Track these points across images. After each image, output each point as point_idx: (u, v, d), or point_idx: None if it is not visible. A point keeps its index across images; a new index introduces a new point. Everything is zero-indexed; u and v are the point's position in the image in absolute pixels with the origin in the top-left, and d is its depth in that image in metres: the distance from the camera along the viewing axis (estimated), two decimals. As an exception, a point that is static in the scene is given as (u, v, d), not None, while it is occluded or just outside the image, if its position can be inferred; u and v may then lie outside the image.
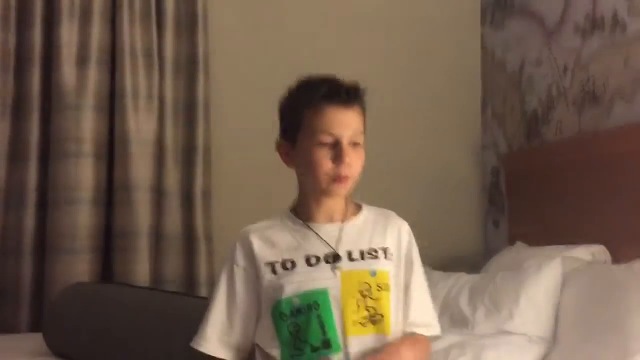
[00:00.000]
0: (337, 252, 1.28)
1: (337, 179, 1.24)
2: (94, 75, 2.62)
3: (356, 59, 2.82)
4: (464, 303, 2.10)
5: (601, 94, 2.33)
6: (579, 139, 2.42)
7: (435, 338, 1.39)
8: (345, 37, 3.01)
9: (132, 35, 2.68)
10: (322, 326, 1.22)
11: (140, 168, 2.65)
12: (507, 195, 2.92)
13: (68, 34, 2.60)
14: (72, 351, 1.98)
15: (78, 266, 2.53)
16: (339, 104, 1.25)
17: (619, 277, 1.82)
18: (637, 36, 2.18)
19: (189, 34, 2.80)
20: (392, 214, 1.38)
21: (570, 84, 2.52)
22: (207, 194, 2.78)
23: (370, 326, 1.25)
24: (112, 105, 2.68)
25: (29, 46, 2.59)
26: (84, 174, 2.58)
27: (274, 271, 1.27)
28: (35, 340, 2.13)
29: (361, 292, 1.25)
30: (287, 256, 1.28)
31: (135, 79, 2.68)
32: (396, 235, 1.34)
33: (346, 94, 1.26)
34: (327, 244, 1.29)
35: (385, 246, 1.31)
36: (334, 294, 1.24)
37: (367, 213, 1.36)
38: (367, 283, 1.25)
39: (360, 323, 1.24)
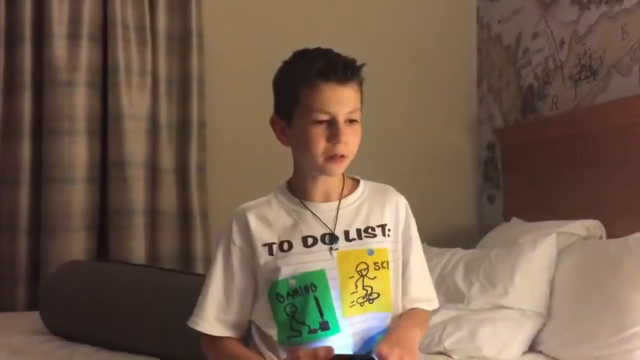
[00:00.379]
0: (334, 232, 1.26)
1: (333, 158, 1.21)
2: (86, 51, 2.59)
3: (351, 33, 2.79)
4: (459, 278, 2.11)
5: (598, 67, 2.32)
6: (575, 113, 2.41)
7: (434, 312, 1.40)
8: (340, 11, 2.98)
9: (123, 10, 2.65)
10: (319, 308, 1.21)
11: (134, 145, 2.63)
12: (503, 171, 2.91)
13: (59, 9, 2.57)
14: (69, 328, 1.98)
15: (74, 244, 2.53)
16: (335, 81, 1.20)
17: (613, 252, 1.82)
18: (634, 9, 2.16)
19: (182, 9, 2.77)
20: (390, 189, 1.36)
21: (566, 57, 2.50)
22: (202, 170, 2.77)
23: (367, 305, 1.23)
24: (104, 81, 2.65)
25: (19, 22, 2.56)
26: (77, 152, 2.56)
27: (270, 252, 1.26)
28: (32, 318, 2.14)
29: (359, 272, 1.23)
30: (283, 237, 1.26)
31: (128, 55, 2.65)
32: (394, 211, 1.31)
33: (343, 70, 1.21)
34: (324, 224, 1.27)
35: (383, 223, 1.29)
36: (331, 275, 1.22)
37: (365, 189, 1.34)
38: (364, 262, 1.24)
39: (359, 303, 1.22)
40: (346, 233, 1.26)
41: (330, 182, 1.30)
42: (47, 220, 2.53)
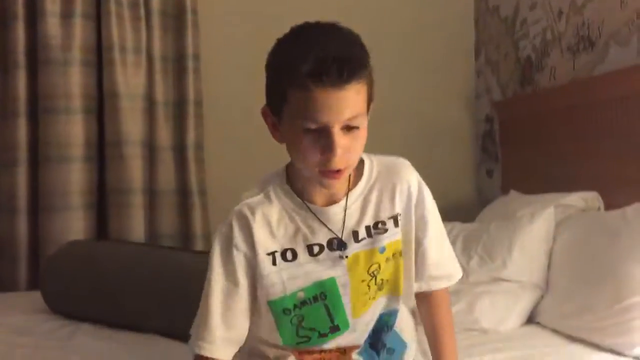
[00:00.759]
0: (341, 238, 1.13)
1: (328, 173, 1.04)
2: (80, 29, 2.57)
3: (346, 6, 2.76)
4: (458, 252, 2.10)
5: (596, 38, 2.30)
6: (573, 85, 2.39)
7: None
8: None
9: (116, -14, 2.62)
10: (330, 315, 1.13)
11: (131, 123, 2.62)
12: (501, 144, 2.91)
13: (51, -13, 2.54)
14: (70, 307, 2.00)
15: (73, 223, 2.53)
16: (328, 84, 0.98)
17: (611, 223, 1.83)
18: (634, -22, 2.13)
19: (176, -15, 2.74)
20: (401, 167, 1.18)
21: (564, 28, 2.48)
22: (199, 148, 2.77)
23: (377, 293, 1.16)
24: (99, 60, 2.63)
25: (11, 0, 2.52)
26: (74, 131, 2.55)
27: (274, 262, 1.11)
28: (34, 298, 2.15)
29: (371, 274, 1.13)
30: (287, 244, 1.12)
31: (122, 32, 2.62)
32: (406, 194, 1.16)
33: (338, 72, 0.97)
34: (330, 229, 1.13)
35: (395, 213, 1.15)
36: (342, 282, 1.12)
37: (372, 173, 1.17)
38: (376, 263, 1.13)
39: (371, 298, 1.15)
40: (355, 234, 1.13)
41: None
42: (45, 200, 2.53)
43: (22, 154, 2.53)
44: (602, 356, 1.56)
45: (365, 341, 1.18)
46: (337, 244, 1.13)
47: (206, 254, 1.17)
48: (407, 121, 3.01)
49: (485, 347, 1.66)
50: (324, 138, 1.01)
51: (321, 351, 1.15)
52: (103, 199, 2.65)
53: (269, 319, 1.14)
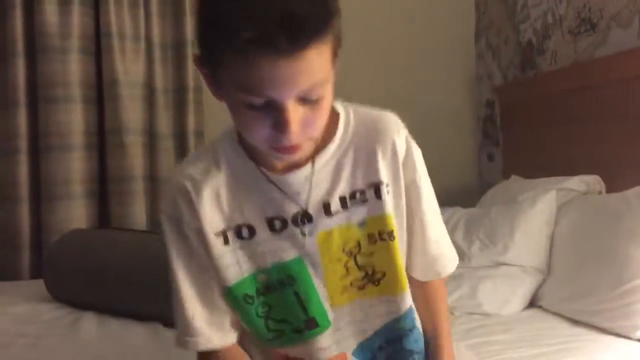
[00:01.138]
0: (307, 209, 0.92)
1: (282, 149, 0.82)
2: (78, 16, 2.56)
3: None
4: (459, 237, 2.12)
5: (597, 20, 2.28)
6: (575, 68, 2.38)
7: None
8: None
9: (114, -27, 2.60)
10: (302, 304, 0.94)
11: (130, 111, 2.61)
12: (502, 128, 2.90)
13: (48, -26, 2.52)
14: (73, 296, 2.00)
15: (75, 212, 2.53)
16: (277, 54, 0.73)
17: (612, 207, 1.82)
18: (635, -41, 2.12)
19: (174, -29, 2.72)
20: (385, 122, 0.95)
21: (565, 11, 2.46)
22: (199, 135, 2.76)
23: (371, 288, 0.96)
24: (98, 47, 2.62)
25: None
26: (74, 119, 2.55)
27: (225, 241, 0.92)
28: (37, 286, 2.16)
29: (348, 252, 0.94)
30: (241, 219, 0.92)
31: (120, 20, 2.61)
32: (390, 156, 0.94)
33: (290, 38, 0.72)
34: (293, 200, 0.92)
35: (376, 180, 0.93)
36: (312, 262, 0.93)
37: (347, 130, 0.94)
38: (354, 239, 0.94)
39: (356, 287, 0.96)
40: (326, 207, 0.92)
41: None
42: (47, 189, 2.53)
43: (23, 142, 2.53)
44: (605, 339, 1.56)
45: (380, 351, 0.99)
46: (303, 219, 0.92)
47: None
48: (407, 106, 2.96)
49: (488, 329, 1.67)
50: (273, 113, 0.78)
51: None
52: (104, 187, 2.65)
53: (226, 309, 0.96)
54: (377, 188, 0.94)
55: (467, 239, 2.10)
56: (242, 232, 0.93)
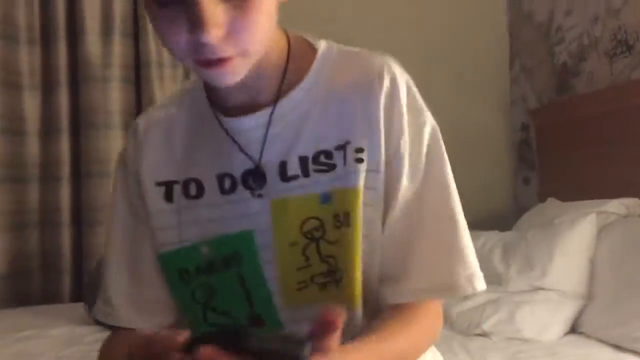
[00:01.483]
0: (259, 165, 0.72)
1: (206, 63, 0.66)
2: (119, 46, 2.64)
3: (378, 14, 2.77)
4: (496, 261, 2.10)
5: (634, 42, 2.27)
6: (611, 90, 2.36)
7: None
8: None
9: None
10: (247, 294, 0.73)
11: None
12: (537, 151, 2.88)
13: (91, 6, 2.61)
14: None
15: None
16: None
17: (654, 230, 1.79)
18: (672, -19, 2.10)
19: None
20: (375, 64, 0.74)
21: (601, 33, 2.45)
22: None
23: (333, 290, 0.72)
24: (137, 76, 2.70)
25: (53, 21, 2.61)
26: (114, 146, 2.61)
27: (169, 197, 0.75)
28: (77, 310, 2.20)
29: (307, 235, 0.71)
30: (191, 172, 0.75)
31: (159, 48, 2.69)
32: (374, 110, 0.71)
33: None
34: (245, 152, 0.73)
35: (351, 140, 0.71)
36: (263, 240, 0.72)
37: (321, 71, 0.74)
38: (316, 217, 0.71)
39: (316, 284, 0.72)
40: (282, 166, 0.72)
41: (255, 75, 0.71)
42: (88, 214, 2.59)
43: (65, 168, 2.60)
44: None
45: None
46: (255, 179, 0.72)
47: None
48: (442, 129, 2.99)
49: (529, 354, 1.65)
50: (187, 11, 0.63)
51: None
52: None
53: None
54: (344, 149, 0.71)
55: (504, 263, 2.07)
56: (189, 189, 0.75)
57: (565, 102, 2.66)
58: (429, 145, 0.76)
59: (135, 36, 2.69)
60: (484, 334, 1.82)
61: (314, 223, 0.71)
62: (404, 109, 0.74)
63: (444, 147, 0.78)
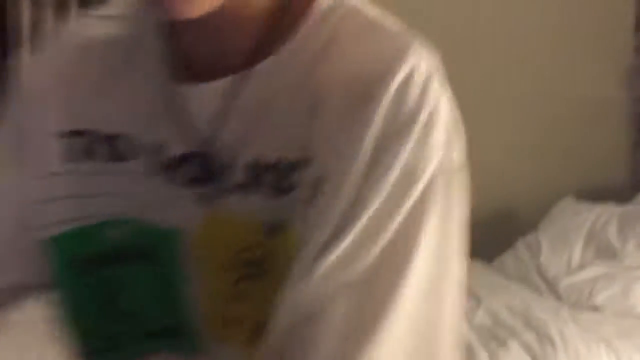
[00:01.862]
0: (208, 152, 0.49)
1: None
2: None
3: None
4: (612, 234, 2.04)
5: None
6: None
7: None
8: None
9: None
10: (165, 296, 0.53)
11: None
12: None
13: None
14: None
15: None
16: None
17: None
18: None
19: None
20: (390, 48, 0.47)
21: None
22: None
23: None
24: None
25: None
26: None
27: (71, 155, 0.53)
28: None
29: (245, 260, 0.49)
30: (110, 126, 0.52)
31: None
32: (358, 132, 0.44)
33: None
34: (190, 129, 0.50)
35: (315, 159, 0.46)
36: (192, 246, 0.51)
37: (316, 39, 0.48)
38: (260, 249, 0.48)
39: (250, 329, 0.49)
40: (232, 160, 0.49)
41: (214, 26, 0.48)
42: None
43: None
44: None
45: None
46: (202, 165, 0.50)
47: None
48: (557, 97, 2.89)
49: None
50: None
51: None
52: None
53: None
54: (307, 173, 0.46)
55: (621, 237, 2.02)
56: (118, 146, 0.52)
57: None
58: (416, 203, 0.44)
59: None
60: (594, 308, 1.79)
61: (257, 252, 0.48)
62: (408, 146, 0.44)
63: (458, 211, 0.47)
